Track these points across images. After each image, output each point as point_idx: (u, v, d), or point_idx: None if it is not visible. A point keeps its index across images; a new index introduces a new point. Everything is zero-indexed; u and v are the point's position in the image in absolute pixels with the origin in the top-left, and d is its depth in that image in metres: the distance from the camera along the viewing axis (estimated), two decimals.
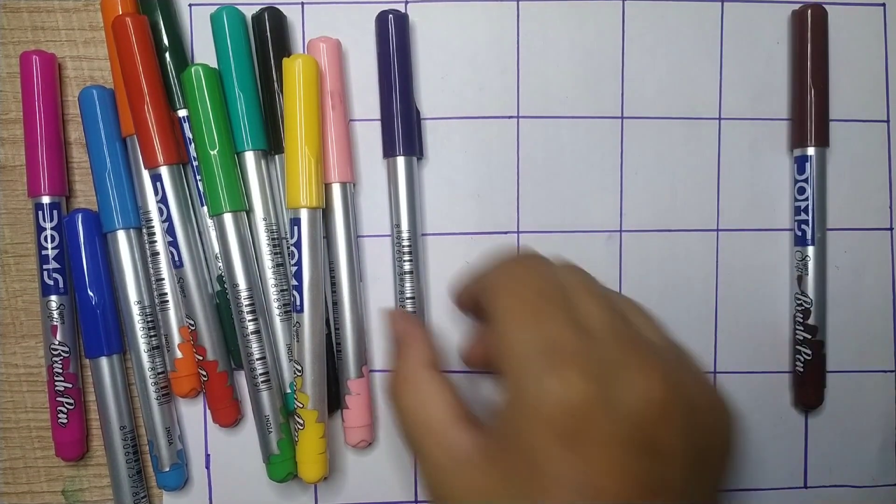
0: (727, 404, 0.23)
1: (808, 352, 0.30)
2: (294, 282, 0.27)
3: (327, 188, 0.28)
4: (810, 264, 0.30)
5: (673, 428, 0.20)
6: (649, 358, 0.21)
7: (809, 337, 0.30)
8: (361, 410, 0.29)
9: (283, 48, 0.29)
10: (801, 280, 0.30)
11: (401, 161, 0.29)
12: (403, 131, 0.29)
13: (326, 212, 0.28)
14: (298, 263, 0.27)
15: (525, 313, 0.22)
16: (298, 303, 0.27)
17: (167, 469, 0.29)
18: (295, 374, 0.27)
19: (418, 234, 0.30)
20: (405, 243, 0.29)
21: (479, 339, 0.28)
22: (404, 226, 0.29)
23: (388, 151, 0.29)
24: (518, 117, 0.30)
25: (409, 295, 0.29)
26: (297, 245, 0.27)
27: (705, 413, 0.21)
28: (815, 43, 0.30)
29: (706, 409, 0.22)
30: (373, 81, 0.30)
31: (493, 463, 0.21)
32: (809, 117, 0.30)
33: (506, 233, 0.31)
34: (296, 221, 0.27)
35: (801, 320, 0.30)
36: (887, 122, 0.31)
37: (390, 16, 0.29)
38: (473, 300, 0.26)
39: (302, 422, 0.27)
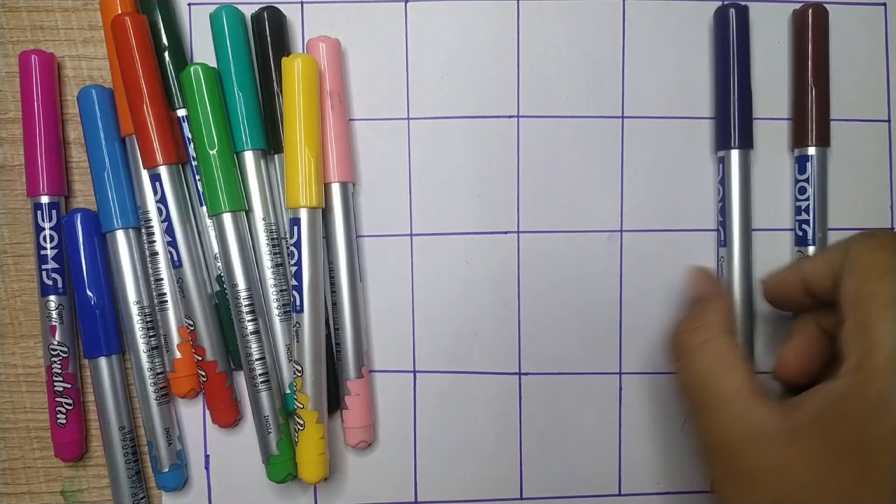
0: None
1: None
2: (294, 282, 0.27)
3: (327, 188, 0.28)
4: None
5: None
6: None
7: None
8: (361, 411, 0.29)
9: (283, 48, 0.29)
10: None
11: (734, 154, 0.29)
12: (739, 125, 0.29)
13: (326, 212, 0.28)
14: (298, 263, 0.27)
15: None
16: (298, 303, 0.27)
17: (166, 470, 0.29)
18: (295, 374, 0.27)
19: (741, 227, 0.29)
20: (735, 236, 0.29)
21: (814, 336, 0.26)
22: (735, 219, 0.29)
23: (722, 144, 0.29)
24: (518, 117, 0.30)
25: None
26: (297, 245, 0.27)
27: None
28: (815, 42, 0.30)
29: None
30: (373, 81, 0.30)
31: (811, 446, 0.20)
32: (810, 117, 0.30)
33: (506, 233, 0.30)
34: (295, 221, 0.27)
35: None
36: (888, 121, 0.31)
37: (731, 10, 0.29)
38: (807, 286, 0.24)
39: (302, 422, 0.27)
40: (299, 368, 0.27)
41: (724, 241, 0.30)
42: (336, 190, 0.28)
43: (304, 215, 0.27)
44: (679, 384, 0.24)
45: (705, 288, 0.26)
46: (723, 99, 0.30)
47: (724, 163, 0.30)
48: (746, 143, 0.30)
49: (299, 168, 0.27)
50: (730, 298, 0.26)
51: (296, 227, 0.27)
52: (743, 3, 0.30)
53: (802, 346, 0.26)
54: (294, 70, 0.27)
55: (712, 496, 0.22)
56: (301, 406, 0.27)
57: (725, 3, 0.30)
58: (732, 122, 0.29)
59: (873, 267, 0.21)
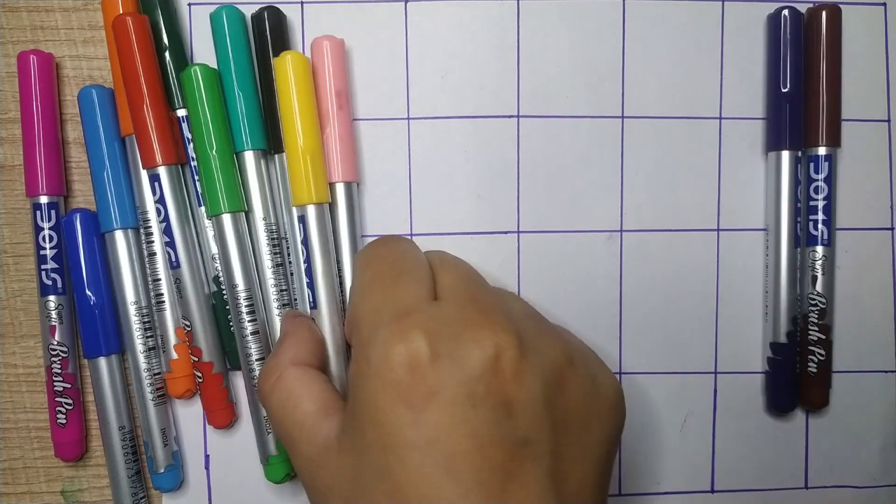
0: (605, 370, 0.23)
1: (823, 352, 0.30)
2: (306, 279, 0.27)
3: (332, 187, 0.28)
4: (825, 264, 0.30)
5: (526, 384, 0.19)
6: (498, 318, 0.20)
7: (823, 337, 0.30)
8: None
9: (283, 48, 0.29)
10: (815, 280, 0.30)
11: (785, 155, 0.29)
12: (791, 125, 0.29)
13: (331, 211, 0.28)
14: (309, 260, 0.27)
15: (376, 283, 0.22)
16: (312, 299, 0.27)
17: (162, 470, 0.29)
18: None
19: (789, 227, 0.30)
20: (783, 237, 0.30)
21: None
22: (784, 222, 0.30)
23: (774, 145, 0.30)
24: (518, 117, 0.30)
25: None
26: (306, 242, 0.27)
27: (573, 375, 0.21)
28: (829, 43, 0.30)
29: (576, 371, 0.21)
30: (373, 81, 0.30)
31: (349, 440, 0.20)
32: (822, 117, 0.30)
33: (506, 233, 0.30)
34: (302, 219, 0.27)
35: (816, 321, 0.30)
36: (888, 121, 0.31)
37: (784, 13, 0.29)
38: None
39: None
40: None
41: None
42: (340, 189, 0.28)
43: (311, 212, 0.27)
44: (269, 424, 0.25)
45: (285, 327, 0.26)
46: (774, 101, 0.30)
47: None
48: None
49: (301, 165, 0.27)
50: (311, 331, 0.26)
51: (302, 225, 0.27)
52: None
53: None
54: (285, 67, 0.27)
55: None
56: None
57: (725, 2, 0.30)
58: (784, 123, 0.30)
59: (355, 264, 0.24)
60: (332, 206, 0.28)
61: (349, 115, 0.29)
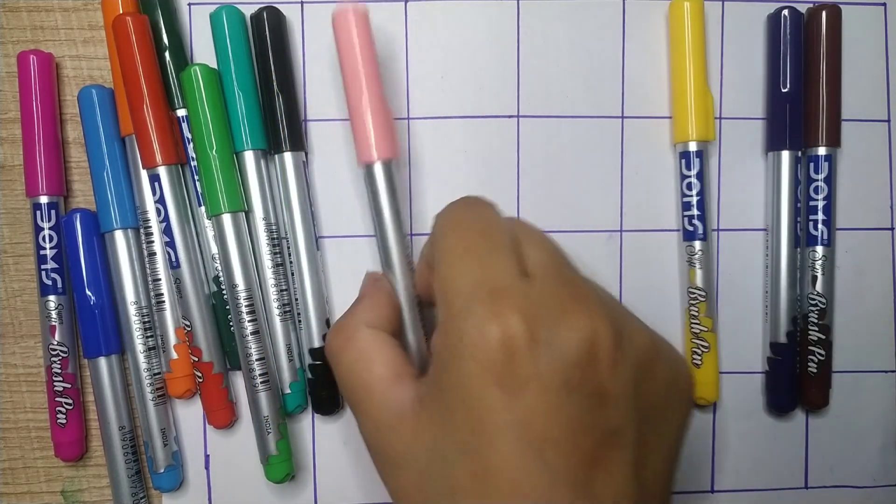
0: (681, 359, 0.23)
1: (822, 352, 0.30)
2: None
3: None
4: (825, 264, 0.30)
5: (620, 373, 0.19)
6: (594, 304, 0.20)
7: (823, 337, 0.30)
8: None
9: (283, 48, 0.29)
10: (815, 280, 0.30)
11: (785, 155, 0.30)
12: (791, 125, 0.29)
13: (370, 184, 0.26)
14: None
15: (468, 254, 0.21)
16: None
17: (162, 470, 0.29)
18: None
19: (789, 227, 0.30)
20: (783, 237, 0.30)
21: (425, 280, 0.25)
22: (784, 222, 0.30)
23: (774, 145, 0.30)
24: (518, 117, 0.30)
25: None
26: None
27: (658, 364, 0.21)
28: (829, 43, 0.30)
29: (660, 360, 0.21)
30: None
31: (430, 413, 0.20)
32: (822, 117, 0.30)
33: None
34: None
35: (817, 321, 0.30)
36: (888, 121, 0.31)
37: (784, 13, 0.29)
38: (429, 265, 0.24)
39: None
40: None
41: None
42: (379, 169, 0.26)
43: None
44: (339, 384, 0.24)
45: (362, 289, 0.26)
46: (774, 101, 0.30)
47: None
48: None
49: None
50: (386, 293, 0.25)
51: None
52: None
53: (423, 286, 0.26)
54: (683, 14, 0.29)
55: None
56: None
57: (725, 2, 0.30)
58: (784, 123, 0.30)
59: (441, 225, 0.23)
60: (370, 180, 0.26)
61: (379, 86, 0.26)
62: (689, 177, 0.30)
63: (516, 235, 0.22)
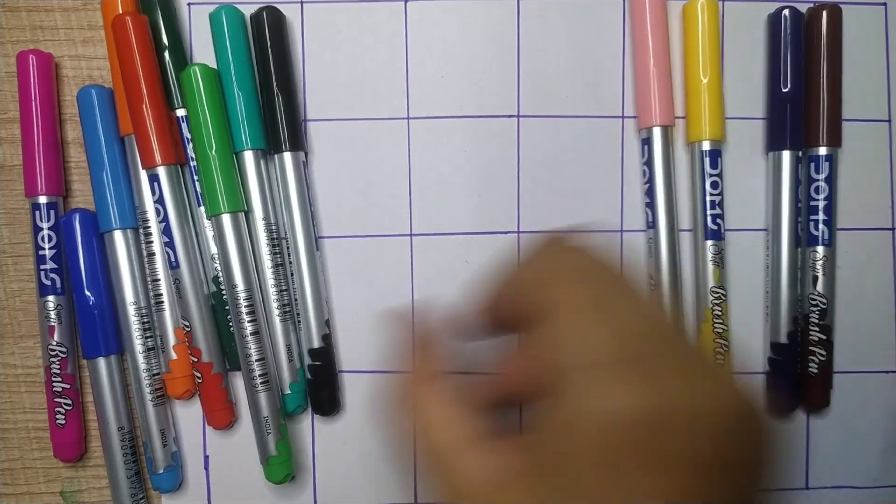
0: (762, 411, 0.20)
1: (823, 352, 0.30)
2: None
3: None
4: (826, 264, 0.30)
5: (751, 440, 0.18)
6: (713, 367, 0.18)
7: (824, 338, 0.30)
8: None
9: (283, 48, 0.29)
10: (815, 280, 0.30)
11: (786, 155, 0.30)
12: (791, 125, 0.29)
13: None
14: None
15: (594, 309, 0.18)
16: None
17: (161, 471, 0.29)
18: None
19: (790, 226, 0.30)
20: (784, 237, 0.30)
21: (516, 354, 0.23)
22: (784, 222, 0.30)
23: (774, 145, 0.30)
24: (518, 117, 0.30)
25: None
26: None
27: (764, 423, 0.19)
28: (830, 43, 0.30)
29: (763, 418, 0.19)
30: (373, 81, 0.30)
31: (526, 486, 0.18)
32: (822, 117, 0.30)
33: (506, 233, 0.30)
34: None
35: (817, 321, 0.30)
36: (888, 121, 0.31)
37: (784, 13, 0.29)
38: (511, 304, 0.22)
39: None
40: None
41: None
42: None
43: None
44: (401, 440, 0.23)
45: (419, 332, 0.24)
46: (774, 101, 0.30)
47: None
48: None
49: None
50: (434, 338, 0.24)
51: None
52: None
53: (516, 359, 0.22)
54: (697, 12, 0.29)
55: None
56: None
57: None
58: (784, 123, 0.30)
59: (563, 272, 0.20)
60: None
61: None
62: (715, 175, 0.30)
63: (603, 282, 0.19)
